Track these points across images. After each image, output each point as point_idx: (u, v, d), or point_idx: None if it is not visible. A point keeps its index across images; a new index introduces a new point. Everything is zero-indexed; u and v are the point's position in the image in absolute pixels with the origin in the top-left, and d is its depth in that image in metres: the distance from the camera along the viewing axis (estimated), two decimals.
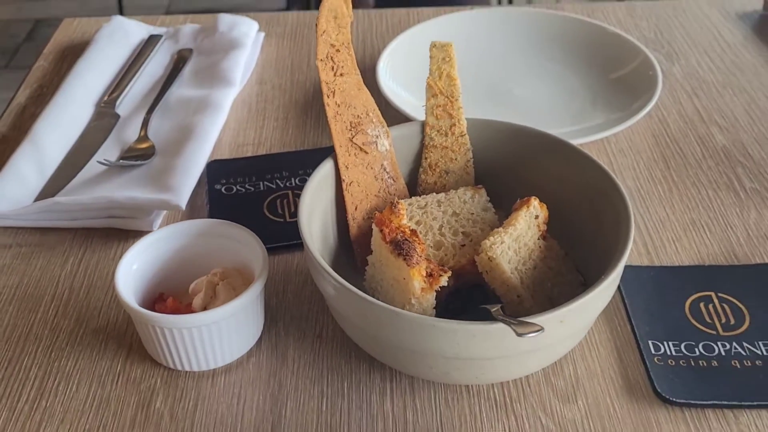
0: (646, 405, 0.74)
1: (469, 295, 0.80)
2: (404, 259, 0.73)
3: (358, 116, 0.86)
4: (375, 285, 0.80)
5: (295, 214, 0.96)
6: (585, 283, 0.80)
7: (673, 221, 0.94)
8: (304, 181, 1.00)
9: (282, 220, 0.96)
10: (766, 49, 1.26)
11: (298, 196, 0.97)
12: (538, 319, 0.66)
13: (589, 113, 1.12)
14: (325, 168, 0.83)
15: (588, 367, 0.78)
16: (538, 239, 0.79)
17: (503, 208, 0.86)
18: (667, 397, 0.74)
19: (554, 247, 0.80)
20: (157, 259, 0.82)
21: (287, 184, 1.01)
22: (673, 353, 0.78)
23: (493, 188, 0.87)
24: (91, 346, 0.81)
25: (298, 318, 0.84)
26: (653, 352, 0.78)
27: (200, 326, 0.74)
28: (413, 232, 0.77)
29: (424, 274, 0.74)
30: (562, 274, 0.79)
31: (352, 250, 0.85)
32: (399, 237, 0.76)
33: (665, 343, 0.79)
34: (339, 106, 0.84)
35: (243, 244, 0.82)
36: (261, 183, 1.01)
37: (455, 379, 0.74)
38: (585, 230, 0.83)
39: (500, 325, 0.66)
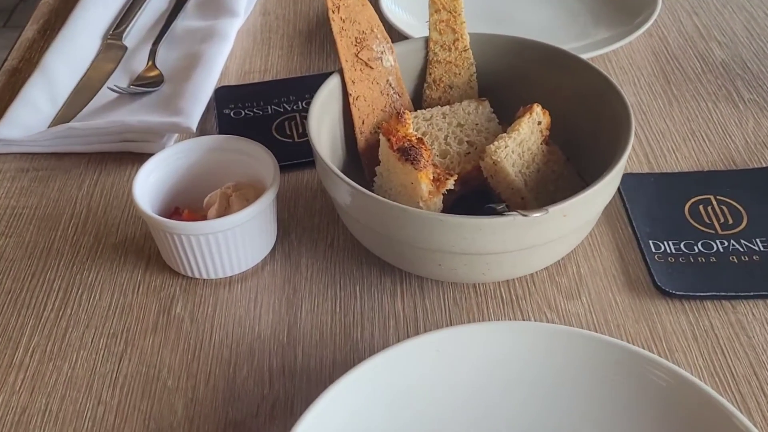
0: (646, 298, 0.77)
1: (475, 200, 0.83)
2: (412, 164, 0.76)
3: (362, 32, 0.87)
4: (383, 193, 0.83)
5: (303, 134, 0.99)
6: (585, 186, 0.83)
7: (672, 132, 0.97)
8: (310, 104, 1.02)
9: (291, 140, 0.98)
10: None
11: (306, 117, 1.00)
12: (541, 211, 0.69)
13: (590, 33, 1.13)
14: (333, 83, 0.85)
15: (591, 266, 0.81)
16: (541, 144, 0.81)
17: (507, 122, 0.88)
18: (667, 290, 0.77)
19: (556, 152, 0.83)
20: (171, 174, 0.85)
21: (294, 107, 1.03)
22: (673, 251, 0.81)
23: (497, 101, 0.89)
24: (111, 259, 0.84)
25: (310, 229, 0.87)
26: (653, 250, 0.81)
27: (216, 233, 0.77)
28: (420, 139, 0.79)
29: (431, 178, 0.76)
30: (564, 177, 0.82)
31: (360, 164, 0.87)
32: (406, 144, 0.78)
33: (665, 242, 0.82)
34: (344, 21, 0.86)
35: (254, 158, 0.84)
36: (269, 107, 1.03)
37: (462, 276, 0.77)
38: (586, 136, 0.85)
39: (506, 218, 0.69)
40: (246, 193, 0.83)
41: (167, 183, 0.84)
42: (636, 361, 0.64)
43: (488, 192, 0.82)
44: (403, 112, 0.81)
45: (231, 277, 0.82)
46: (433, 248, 0.72)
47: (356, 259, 0.83)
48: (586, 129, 0.85)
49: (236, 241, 0.79)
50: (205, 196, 0.85)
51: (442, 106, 0.88)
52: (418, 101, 0.92)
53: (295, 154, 0.95)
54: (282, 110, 1.02)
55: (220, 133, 0.99)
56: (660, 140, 0.95)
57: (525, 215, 0.66)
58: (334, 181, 0.75)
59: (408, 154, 0.77)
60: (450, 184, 0.76)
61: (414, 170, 0.75)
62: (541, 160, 0.81)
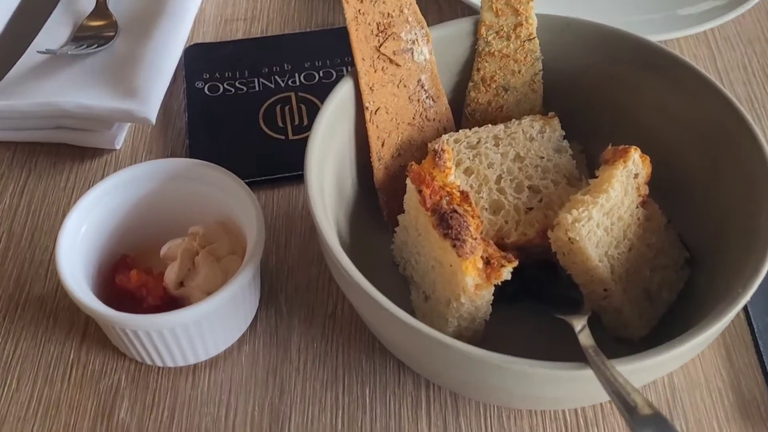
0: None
1: (533, 273, 0.60)
2: (453, 246, 0.52)
3: (388, 15, 0.61)
4: (407, 256, 0.60)
5: (300, 127, 0.74)
6: (691, 260, 0.60)
7: None
8: (310, 79, 0.77)
9: (283, 137, 0.73)
10: None
11: (303, 101, 0.75)
12: (640, 364, 0.47)
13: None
14: (341, 93, 0.60)
15: (687, 374, 0.59)
16: (636, 208, 0.57)
17: (577, 140, 0.64)
18: None
19: (656, 216, 0.59)
20: (114, 214, 0.61)
21: (290, 82, 0.77)
22: None
23: (567, 113, 0.64)
24: (36, 321, 0.62)
25: (305, 288, 0.64)
26: None
27: (174, 327, 0.55)
28: (464, 196, 0.55)
29: (481, 266, 0.53)
30: (663, 252, 0.58)
31: (376, 197, 0.64)
32: (445, 206, 0.54)
33: None
34: (362, 2, 0.60)
35: (230, 195, 0.61)
36: (255, 81, 0.77)
37: (517, 406, 0.56)
38: (694, 183, 0.61)
39: (589, 372, 0.47)
40: (217, 248, 0.60)
41: (109, 226, 0.61)
42: None
43: (552, 261, 0.59)
44: (442, 150, 0.57)
45: (196, 363, 0.60)
46: (484, 386, 0.51)
47: (366, 342, 0.61)
48: (695, 171, 0.61)
49: (202, 331, 0.57)
50: (162, 238, 0.62)
51: (494, 124, 0.63)
52: (459, 107, 0.67)
53: (288, 160, 0.71)
54: (273, 86, 0.77)
55: (189, 118, 0.74)
56: None
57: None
58: (356, 291, 0.51)
59: (448, 225, 0.53)
60: (506, 274, 0.53)
61: (456, 255, 0.52)
62: (635, 232, 0.57)
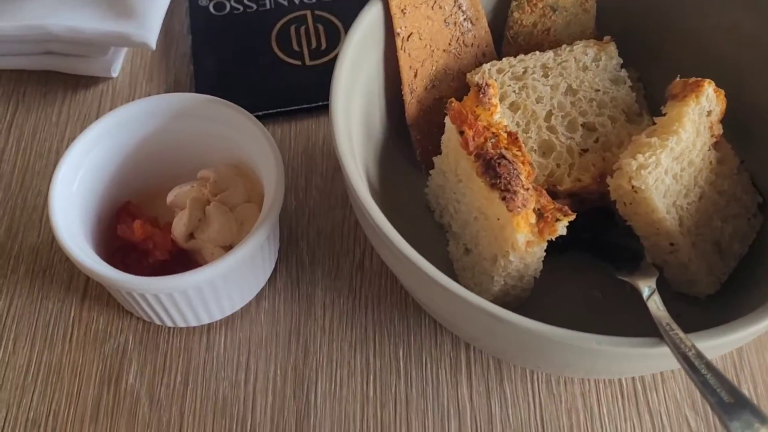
0: None
1: (585, 221, 0.53)
2: (502, 198, 0.46)
3: None
4: (444, 203, 0.53)
5: (318, 51, 0.66)
6: (764, 205, 0.53)
7: None
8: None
9: (299, 62, 0.65)
10: None
11: (321, 20, 0.67)
12: (724, 339, 0.41)
13: None
14: (369, 17, 0.52)
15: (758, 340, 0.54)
16: (708, 150, 0.50)
17: (633, 66, 0.57)
18: None
19: (729, 158, 0.52)
20: (114, 156, 0.54)
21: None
22: None
23: (620, 35, 0.56)
24: (31, 276, 0.56)
25: (328, 234, 0.58)
26: None
27: (186, 289, 0.49)
28: (513, 138, 0.48)
29: (533, 220, 0.46)
30: (735, 199, 0.52)
31: (407, 135, 0.56)
32: (491, 151, 0.47)
33: None
34: None
35: (243, 134, 0.53)
36: None
37: (571, 374, 0.50)
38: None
39: (664, 349, 0.41)
40: (230, 196, 0.53)
41: (110, 169, 0.54)
42: None
43: (608, 208, 0.52)
44: (486, 84, 0.49)
45: (209, 323, 0.54)
46: (540, 359, 0.45)
47: (398, 297, 0.55)
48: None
49: (217, 291, 0.50)
50: (167, 182, 0.55)
51: (541, 51, 0.56)
52: (500, 30, 0.59)
53: (306, 88, 0.63)
54: (287, 3, 0.69)
55: (193, 42, 0.67)
56: None
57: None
58: (385, 242, 0.44)
59: (495, 173, 0.46)
60: (561, 228, 0.47)
61: (505, 208, 0.46)
62: (707, 178, 0.50)
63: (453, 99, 0.49)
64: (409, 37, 0.54)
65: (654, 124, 0.50)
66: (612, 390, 0.52)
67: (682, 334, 0.41)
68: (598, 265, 0.52)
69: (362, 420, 0.51)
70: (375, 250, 0.50)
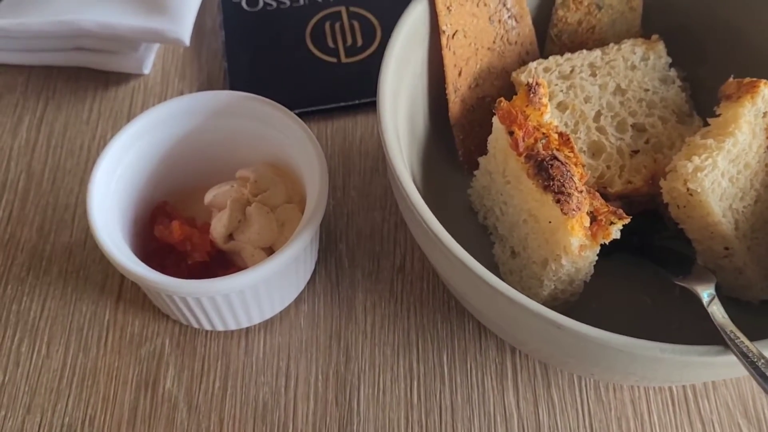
0: None
1: (634, 224, 0.52)
2: (556, 201, 0.44)
3: None
4: (490, 204, 0.52)
5: (353, 48, 0.65)
6: None
7: None
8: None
9: (335, 59, 0.64)
10: None
11: (356, 17, 0.66)
12: None
13: None
14: (414, 15, 0.51)
15: None
16: (765, 152, 0.49)
17: (679, 65, 0.55)
18: None
19: None
20: (151, 156, 0.53)
21: None
22: None
23: (666, 33, 0.55)
24: (65, 278, 0.55)
25: (368, 236, 0.57)
26: None
27: (228, 293, 0.47)
28: (564, 139, 0.47)
29: (587, 224, 0.45)
30: None
31: (450, 135, 0.55)
32: (542, 152, 0.46)
33: None
34: None
35: (283, 133, 0.52)
36: None
37: (621, 381, 0.49)
38: None
39: (730, 357, 0.39)
40: (271, 197, 0.52)
41: (146, 169, 0.53)
42: None
43: (657, 210, 0.51)
44: (536, 83, 0.48)
45: (248, 327, 0.53)
46: (590, 364, 0.44)
47: (441, 300, 0.54)
48: None
49: (258, 294, 0.49)
50: (204, 182, 0.54)
51: (589, 49, 0.54)
52: (544, 28, 0.57)
53: (343, 86, 0.62)
54: (321, 0, 0.67)
55: (226, 39, 0.65)
56: None
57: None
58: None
59: (548, 175, 0.45)
60: (615, 232, 0.45)
61: (560, 211, 0.44)
62: (763, 181, 0.49)
63: (502, 99, 0.48)
64: (454, 35, 0.52)
65: (705, 125, 0.49)
66: (662, 397, 0.50)
67: (748, 342, 0.40)
68: (644, 268, 0.51)
69: (407, 427, 0.49)
70: (424, 253, 0.48)
